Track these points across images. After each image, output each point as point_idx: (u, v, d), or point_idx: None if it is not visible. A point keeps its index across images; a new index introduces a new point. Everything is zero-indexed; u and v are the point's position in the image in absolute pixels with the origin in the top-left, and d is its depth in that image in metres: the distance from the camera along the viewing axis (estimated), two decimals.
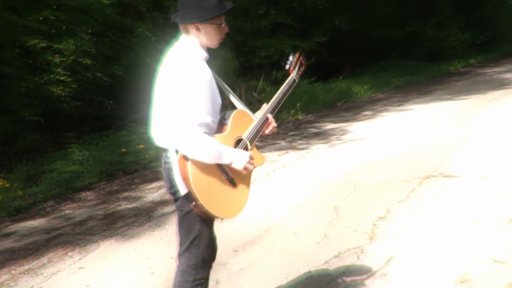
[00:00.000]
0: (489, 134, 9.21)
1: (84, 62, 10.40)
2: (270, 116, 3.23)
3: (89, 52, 10.58)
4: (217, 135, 2.85)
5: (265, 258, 4.80)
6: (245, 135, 3.06)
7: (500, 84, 16.94)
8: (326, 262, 4.57)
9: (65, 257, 5.27)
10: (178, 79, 2.74)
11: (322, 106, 15.88)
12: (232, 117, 3.01)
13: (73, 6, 10.50)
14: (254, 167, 3.00)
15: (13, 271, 5.02)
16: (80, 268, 4.97)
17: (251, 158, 2.91)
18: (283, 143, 10.66)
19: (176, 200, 2.95)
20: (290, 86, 3.42)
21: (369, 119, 12.85)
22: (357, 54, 21.92)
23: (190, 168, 2.70)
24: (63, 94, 10.32)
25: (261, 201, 6.51)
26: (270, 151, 9.73)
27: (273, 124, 3.25)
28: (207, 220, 2.95)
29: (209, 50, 3.01)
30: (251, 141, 3.06)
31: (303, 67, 3.55)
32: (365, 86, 18.65)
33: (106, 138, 10.05)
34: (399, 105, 14.80)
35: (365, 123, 12.27)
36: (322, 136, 11.08)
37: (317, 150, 9.56)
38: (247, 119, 3.14)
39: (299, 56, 3.54)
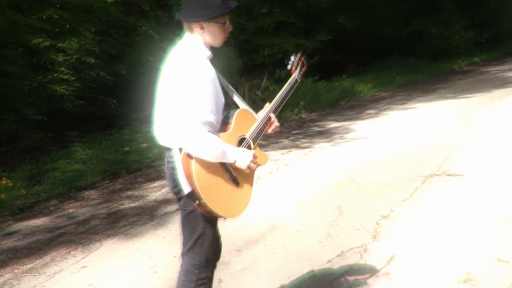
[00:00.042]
0: (493, 133, 9.19)
1: (88, 61, 10.41)
2: (272, 116, 3.23)
3: (92, 51, 10.59)
4: (221, 134, 2.84)
5: (268, 257, 4.79)
6: (248, 134, 3.05)
7: (504, 83, 16.89)
8: (329, 261, 4.55)
9: (68, 256, 5.28)
10: (182, 78, 2.73)
11: (326, 105, 15.87)
12: (235, 116, 3.00)
13: (76, 5, 10.52)
14: (257, 166, 3.00)
15: (16, 270, 5.02)
16: (83, 267, 4.97)
17: (254, 157, 2.91)
18: (286, 141, 10.66)
19: (179, 199, 2.94)
20: (292, 86, 3.42)
21: (372, 117, 12.83)
22: (360, 52, 21.91)
23: (194, 166, 2.70)
24: (67, 93, 10.34)
25: (264, 200, 6.51)
26: (274, 150, 9.73)
27: (275, 123, 3.25)
28: (211, 219, 2.94)
29: (212, 48, 3.00)
30: (254, 140, 3.06)
31: (305, 67, 3.56)
32: (369, 85, 18.63)
33: (110, 137, 10.06)
34: (402, 104, 14.78)
35: (369, 121, 12.26)
36: (326, 134, 11.06)
37: (321, 149, 9.55)
38: (250, 118, 3.14)
39: (300, 57, 3.55)
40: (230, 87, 3.21)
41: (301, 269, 4.44)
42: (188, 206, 2.88)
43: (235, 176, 2.91)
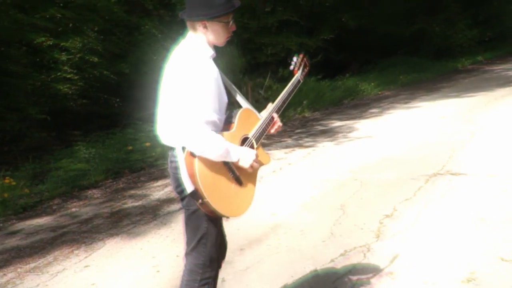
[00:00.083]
0: (496, 132, 9.17)
1: (91, 60, 10.43)
2: (275, 116, 3.22)
3: (95, 50, 10.60)
4: (224, 133, 2.84)
5: (271, 257, 4.79)
6: (251, 133, 3.05)
7: (507, 82, 16.87)
8: (332, 260, 4.55)
9: (71, 255, 5.28)
10: (185, 77, 2.73)
11: (329, 104, 15.86)
12: (238, 116, 3.00)
13: (79, 4, 10.54)
14: (260, 166, 2.99)
15: (19, 269, 5.03)
16: (86, 266, 4.97)
17: (257, 156, 2.90)
18: (289, 140, 10.65)
19: (182, 199, 2.94)
20: (295, 86, 3.42)
21: (376, 116, 12.82)
22: (364, 51, 21.89)
23: (197, 165, 2.69)
24: (70, 92, 10.36)
25: (267, 199, 6.50)
26: (277, 149, 9.72)
27: (278, 123, 3.24)
28: (214, 219, 2.94)
29: (215, 47, 3.00)
30: (257, 140, 3.05)
31: (307, 68, 3.58)
32: (372, 84, 18.63)
33: (113, 136, 10.07)
34: (406, 103, 14.77)
35: (372, 120, 12.25)
36: (329, 133, 11.05)
37: (324, 148, 9.55)
38: (253, 118, 3.13)
39: (303, 57, 3.56)
40: (233, 86, 3.20)
41: (304, 269, 4.43)
42: (192, 206, 2.88)
43: (238, 175, 2.91)
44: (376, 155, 8.38)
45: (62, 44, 10.11)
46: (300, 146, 9.95)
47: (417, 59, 23.43)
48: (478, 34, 28.34)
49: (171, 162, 2.89)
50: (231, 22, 2.93)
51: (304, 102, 14.47)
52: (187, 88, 2.69)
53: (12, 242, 5.87)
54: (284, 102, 3.31)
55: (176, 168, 2.82)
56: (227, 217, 2.91)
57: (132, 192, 7.64)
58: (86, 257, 5.20)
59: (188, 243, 3.03)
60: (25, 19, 9.77)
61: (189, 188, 2.71)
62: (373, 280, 4.09)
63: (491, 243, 4.56)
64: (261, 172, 3.22)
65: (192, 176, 2.70)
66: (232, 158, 2.80)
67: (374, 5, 21.45)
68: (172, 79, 2.81)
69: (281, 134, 11.19)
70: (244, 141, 2.99)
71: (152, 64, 10.89)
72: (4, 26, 9.45)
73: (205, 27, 2.87)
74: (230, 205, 2.86)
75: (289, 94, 3.37)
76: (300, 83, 3.49)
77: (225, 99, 2.92)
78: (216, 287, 3.17)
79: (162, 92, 2.87)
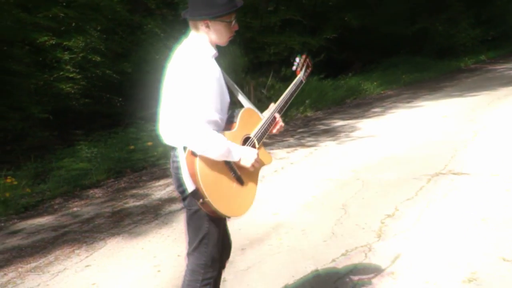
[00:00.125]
0: (499, 131, 9.15)
1: (94, 59, 10.44)
2: (277, 116, 3.21)
3: (98, 49, 10.61)
4: (225, 132, 2.83)
5: (272, 256, 4.78)
6: (253, 133, 3.04)
7: (510, 81, 16.84)
8: (333, 260, 4.54)
9: (72, 255, 5.28)
10: (187, 76, 2.72)
11: (331, 103, 15.85)
12: (240, 115, 2.99)
13: (82, 3, 10.54)
14: (262, 166, 2.99)
15: (20, 269, 5.03)
16: (87, 266, 4.97)
17: (259, 155, 2.90)
18: (291, 140, 10.64)
19: (184, 199, 2.94)
20: (298, 87, 3.41)
21: (378, 116, 12.81)
22: (366, 50, 21.87)
23: (198, 164, 2.69)
24: (72, 91, 10.37)
25: (269, 199, 6.50)
26: (279, 148, 9.72)
27: (280, 123, 3.23)
28: (216, 219, 2.93)
29: (218, 47, 2.99)
30: (258, 140, 3.04)
31: (310, 68, 3.56)
32: (375, 83, 18.61)
33: (115, 136, 10.06)
34: (408, 102, 14.75)
35: (374, 120, 12.23)
36: (331, 133, 11.05)
37: (326, 147, 9.54)
38: (255, 118, 3.12)
39: (305, 58, 3.54)
40: (235, 86, 3.19)
41: (305, 268, 4.43)
42: (193, 206, 2.87)
43: (239, 175, 2.90)
44: (378, 155, 8.37)
45: (64, 43, 10.12)
46: (302, 145, 9.94)
47: (419, 59, 23.39)
48: (481, 33, 28.26)
49: (173, 162, 2.89)
50: (233, 22, 2.92)
51: (307, 101, 14.46)
52: (189, 88, 2.69)
53: (13, 241, 5.87)
54: (286, 102, 3.30)
55: (177, 168, 2.82)
56: (228, 217, 2.91)
57: (134, 191, 7.64)
58: (87, 256, 5.20)
59: (189, 243, 3.03)
60: (27, 18, 9.78)
61: (190, 187, 2.70)
62: (374, 280, 4.08)
63: (492, 243, 4.55)
64: (262, 172, 3.22)
65: (193, 176, 2.69)
66: (234, 158, 2.79)
67: (377, 4, 21.45)
68: (174, 78, 2.80)
69: (283, 133, 11.18)
70: (245, 140, 2.98)
71: (154, 63, 10.90)
72: (7, 26, 9.47)
73: (207, 26, 2.86)
74: (231, 205, 2.85)
75: (292, 95, 3.36)
76: (303, 84, 3.49)
77: (227, 98, 2.92)
78: (219, 287, 3.17)
79: (164, 92, 2.87)
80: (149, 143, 9.51)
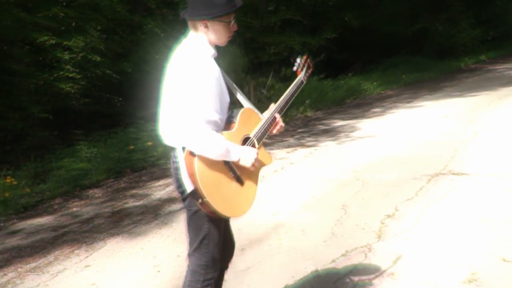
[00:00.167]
0: (499, 131, 9.15)
1: (93, 59, 10.44)
2: (277, 116, 3.20)
3: (98, 49, 10.61)
4: (224, 132, 2.82)
5: (272, 257, 4.78)
6: (253, 133, 3.03)
7: (510, 81, 16.84)
8: (333, 260, 4.53)
9: (72, 255, 5.27)
10: (186, 76, 2.71)
11: (331, 103, 15.84)
12: (239, 115, 2.98)
13: (82, 3, 10.55)
14: (262, 166, 2.99)
15: (19, 269, 5.03)
16: (87, 266, 4.96)
17: (259, 155, 2.89)
18: (291, 140, 10.64)
19: (184, 199, 2.93)
20: (298, 87, 3.40)
21: (378, 116, 12.80)
22: (367, 50, 21.87)
23: (197, 164, 2.68)
24: (72, 91, 10.37)
25: (268, 199, 6.49)
26: (279, 148, 9.71)
27: (280, 123, 3.22)
28: (216, 220, 2.92)
29: (217, 47, 2.99)
30: (258, 140, 3.03)
31: (311, 69, 3.55)
32: (375, 83, 18.60)
33: (115, 135, 10.05)
34: (408, 102, 14.74)
35: (374, 120, 12.23)
36: (331, 133, 11.04)
37: (326, 148, 9.53)
38: (254, 118, 3.11)
39: (306, 59, 3.53)
40: (235, 86, 3.19)
41: (305, 269, 4.42)
42: (193, 206, 2.86)
43: (239, 175, 2.89)
44: (378, 155, 8.36)
45: (64, 43, 10.12)
46: (302, 145, 9.94)
47: (420, 59, 23.38)
48: (481, 33, 28.27)
49: (173, 163, 2.89)
50: (232, 22, 2.92)
51: (307, 101, 14.45)
52: (188, 88, 2.68)
53: (13, 241, 5.87)
54: (286, 102, 3.30)
55: (177, 169, 2.81)
56: (228, 217, 2.90)
57: (134, 191, 7.64)
58: (86, 256, 5.19)
59: (190, 244, 3.02)
60: (27, 18, 9.79)
61: (188, 187, 2.69)
62: (374, 281, 4.08)
63: (493, 243, 4.55)
64: (262, 172, 3.21)
65: (192, 176, 2.68)
66: (233, 158, 2.78)
67: (377, 4, 21.45)
68: (174, 78, 2.80)
69: (283, 133, 11.16)
70: (245, 141, 2.97)
71: (154, 63, 10.89)
72: (7, 25, 9.47)
73: (206, 26, 2.86)
74: (230, 205, 2.84)
75: (292, 95, 3.35)
76: (303, 84, 3.48)
77: (226, 98, 2.91)
78: (221, 287, 3.18)
79: (164, 92, 2.86)
80: (149, 143, 9.51)
